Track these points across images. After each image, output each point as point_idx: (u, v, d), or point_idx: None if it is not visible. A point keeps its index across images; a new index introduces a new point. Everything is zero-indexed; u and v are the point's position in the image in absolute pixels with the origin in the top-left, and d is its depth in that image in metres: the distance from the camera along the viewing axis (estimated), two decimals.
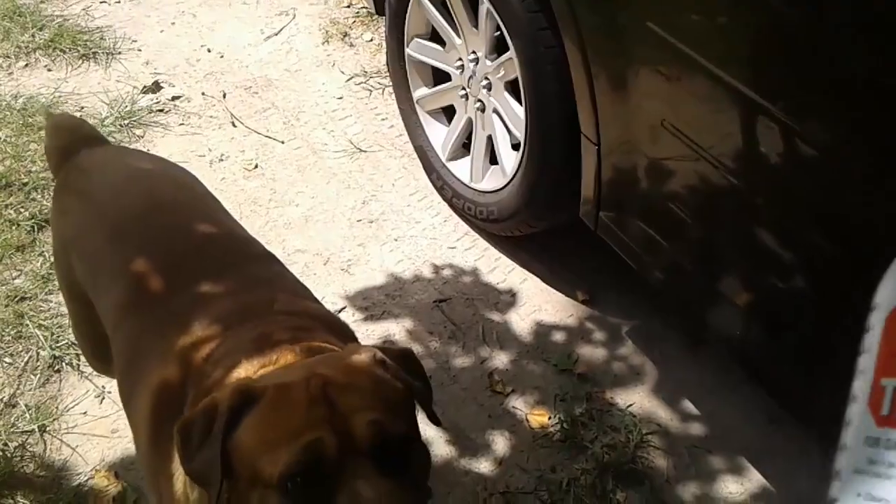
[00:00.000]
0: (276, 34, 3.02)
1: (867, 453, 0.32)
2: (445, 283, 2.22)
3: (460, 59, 2.16)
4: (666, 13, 1.48)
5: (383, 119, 2.69)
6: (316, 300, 1.33)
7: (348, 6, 3.11)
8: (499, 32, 1.95)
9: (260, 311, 1.18)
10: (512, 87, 2.02)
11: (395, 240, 2.33)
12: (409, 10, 2.23)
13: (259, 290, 1.26)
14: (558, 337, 2.10)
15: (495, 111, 2.10)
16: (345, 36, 2.99)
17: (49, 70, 2.82)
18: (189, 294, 1.22)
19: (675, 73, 1.50)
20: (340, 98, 2.77)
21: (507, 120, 2.05)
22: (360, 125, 2.67)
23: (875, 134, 1.22)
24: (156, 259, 1.26)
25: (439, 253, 2.29)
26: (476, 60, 2.10)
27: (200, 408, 0.95)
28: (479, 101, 2.14)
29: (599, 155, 1.75)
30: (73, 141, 1.53)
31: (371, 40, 2.97)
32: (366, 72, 2.85)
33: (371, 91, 2.79)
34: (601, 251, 1.93)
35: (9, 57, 2.84)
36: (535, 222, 2.09)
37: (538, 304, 2.16)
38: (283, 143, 2.62)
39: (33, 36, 2.90)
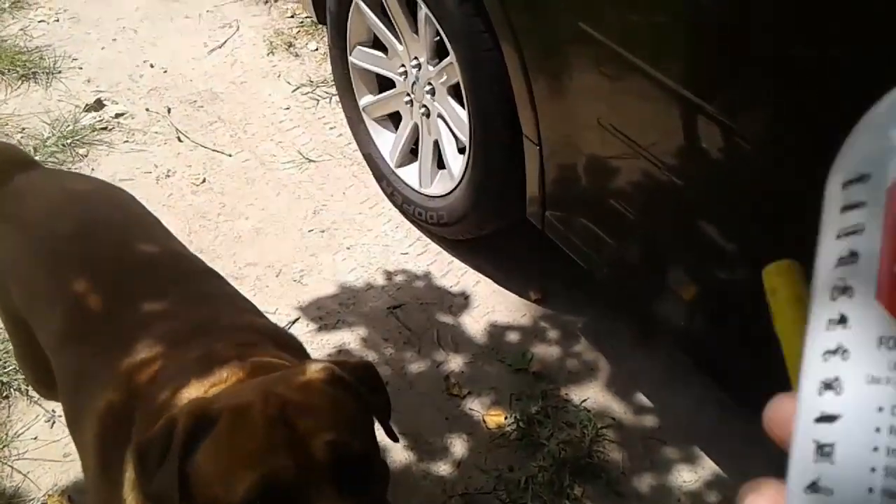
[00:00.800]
0: (220, 46, 3.01)
1: (889, 357, 0.25)
2: (399, 289, 2.23)
3: (403, 65, 2.18)
4: (596, 13, 1.51)
5: (331, 128, 2.70)
6: (261, 314, 1.33)
7: (292, 16, 3.12)
8: (439, 38, 1.98)
9: (204, 329, 1.18)
10: (455, 91, 2.04)
11: (348, 248, 2.33)
12: (349, 18, 2.24)
13: (202, 307, 1.26)
14: (512, 337, 2.12)
15: (440, 116, 2.12)
16: (289, 46, 3.00)
17: None
18: (130, 314, 1.21)
19: (609, 72, 1.53)
20: (287, 108, 2.77)
21: (452, 124, 2.07)
22: (308, 135, 2.68)
23: (806, 127, 1.27)
24: (93, 281, 1.25)
25: (392, 259, 2.30)
26: (419, 66, 2.12)
27: (157, 428, 0.95)
28: (424, 106, 2.16)
29: (542, 155, 1.78)
30: (4, 167, 1.51)
31: (316, 49, 2.98)
32: (312, 81, 2.86)
33: (318, 101, 2.80)
34: (552, 250, 1.96)
35: None
36: (484, 224, 2.11)
37: (492, 305, 2.18)
38: (230, 156, 2.61)
39: None
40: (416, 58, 2.12)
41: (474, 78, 1.88)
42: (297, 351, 1.23)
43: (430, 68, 2.08)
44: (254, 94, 2.83)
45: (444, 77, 2.03)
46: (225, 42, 3.02)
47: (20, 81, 2.83)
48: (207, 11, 3.16)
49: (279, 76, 2.89)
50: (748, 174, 1.41)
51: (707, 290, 1.64)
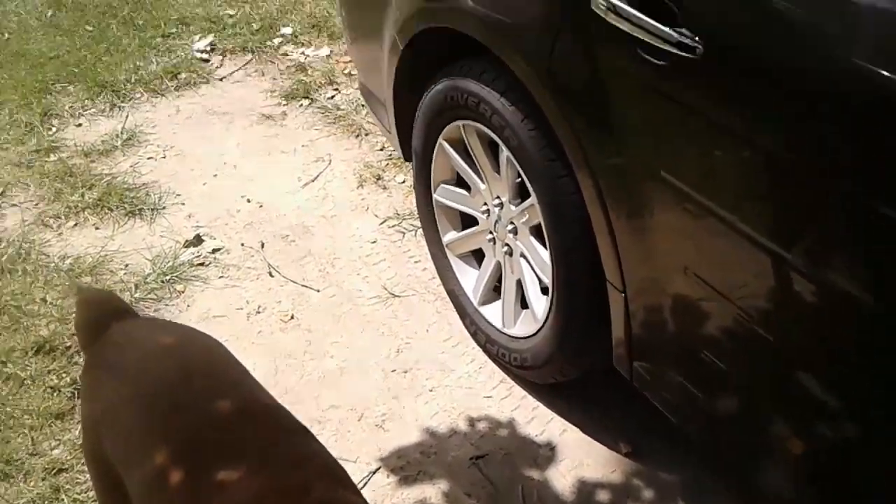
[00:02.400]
0: (313, 181, 3.11)
1: None
2: (482, 436, 2.15)
3: (485, 203, 2.18)
4: (678, 162, 1.46)
5: (416, 262, 2.71)
6: (355, 490, 1.28)
7: (381, 149, 3.20)
8: (521, 179, 1.96)
9: (294, 499, 1.14)
10: (537, 231, 2.01)
11: (430, 391, 2.29)
12: (434, 157, 2.27)
13: (294, 472, 1.23)
14: (603, 496, 1.99)
15: (522, 255, 2.09)
16: (378, 178, 3.06)
17: (97, 228, 2.95)
18: (220, 472, 1.20)
19: (692, 221, 1.46)
20: (374, 242, 2.81)
21: (535, 264, 2.03)
22: (393, 269, 2.69)
23: None
24: (187, 434, 1.26)
25: (475, 403, 2.23)
26: (501, 205, 2.11)
27: None
28: (507, 245, 2.14)
29: (627, 302, 1.71)
30: (102, 315, 1.56)
31: (403, 182, 3.03)
32: (399, 214, 2.89)
33: (404, 234, 2.82)
34: (643, 399, 1.85)
35: (59, 217, 2.98)
36: (569, 370, 2.03)
37: (579, 458, 2.07)
38: (318, 291, 2.64)
39: (82, 195, 3.05)
40: (498, 197, 2.11)
41: (555, 221, 1.85)
42: None
43: (513, 208, 2.06)
44: (343, 227, 2.88)
45: (526, 217, 2.01)
46: (317, 176, 3.12)
47: (127, 218, 2.98)
48: (303, 146, 3.28)
49: (367, 209, 2.95)
50: (840, 328, 1.30)
51: (814, 453, 1.49)
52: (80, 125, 3.46)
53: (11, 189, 3.11)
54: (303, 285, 2.67)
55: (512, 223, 2.08)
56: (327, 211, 2.97)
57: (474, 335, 2.34)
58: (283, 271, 2.73)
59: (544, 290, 2.05)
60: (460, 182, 2.28)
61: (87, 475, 2.09)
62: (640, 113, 1.56)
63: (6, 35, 4.02)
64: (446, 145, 2.20)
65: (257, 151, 3.29)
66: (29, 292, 2.64)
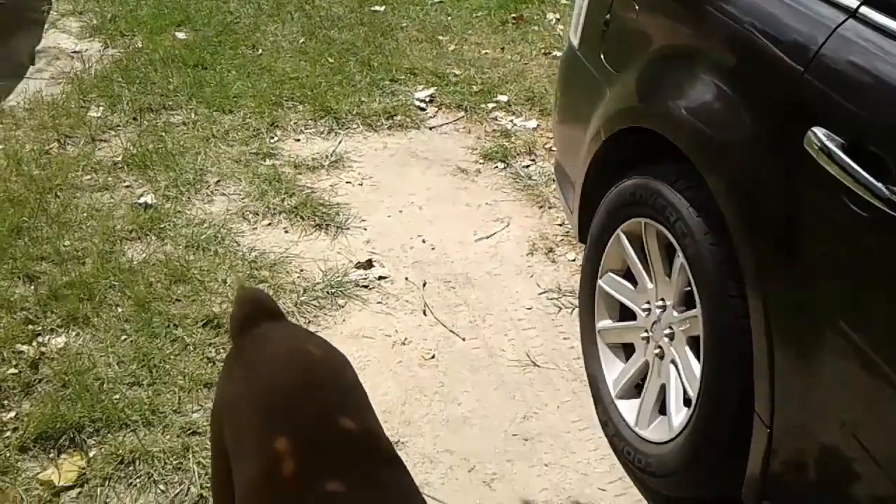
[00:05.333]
0: (487, 237, 3.13)
1: None
2: None
3: (648, 302, 2.09)
4: (859, 316, 1.34)
5: (565, 338, 2.64)
6: None
7: (560, 224, 3.18)
8: (690, 288, 1.87)
9: None
10: (694, 343, 1.90)
11: (546, 465, 2.20)
12: (608, 245, 2.22)
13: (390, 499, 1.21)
14: None
15: (673, 362, 1.98)
16: (549, 251, 3.04)
17: (286, 231, 3.11)
18: (322, 486, 1.20)
19: (864, 379, 1.33)
20: (529, 308, 2.77)
21: (684, 374, 1.92)
22: (540, 339, 2.64)
23: None
24: (297, 443, 1.27)
25: (587, 492, 2.12)
26: (663, 308, 2.02)
27: None
28: (660, 347, 2.04)
29: (771, 439, 1.57)
30: (256, 313, 1.62)
31: (574, 260, 2.99)
32: (560, 289, 2.85)
33: (560, 308, 2.77)
34: None
35: (257, 214, 3.18)
36: (692, 489, 1.89)
37: None
38: (464, 339, 2.64)
39: (282, 200, 3.24)
40: (662, 299, 2.03)
41: (716, 338, 1.74)
42: None
43: (675, 314, 1.97)
44: (503, 287, 2.87)
45: (687, 326, 1.91)
46: (493, 234, 3.14)
47: (314, 229, 3.13)
48: (486, 204, 3.33)
49: (532, 276, 2.92)
50: None
51: None
52: (298, 140, 3.70)
53: (226, 180, 3.35)
54: (451, 330, 2.68)
55: (670, 328, 1.99)
56: (493, 268, 2.97)
57: (604, 425, 2.24)
58: (437, 312, 2.75)
59: (686, 402, 1.93)
60: (628, 274, 2.21)
61: None
62: (831, 258, 1.45)
63: (259, 51, 4.39)
64: (623, 237, 2.15)
65: (444, 199, 3.36)
66: (214, 271, 2.81)
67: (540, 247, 3.06)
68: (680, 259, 1.88)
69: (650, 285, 2.08)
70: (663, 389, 2.04)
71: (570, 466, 2.19)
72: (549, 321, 2.72)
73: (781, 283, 1.53)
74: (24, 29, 4.59)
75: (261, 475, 1.26)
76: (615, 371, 2.24)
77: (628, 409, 2.16)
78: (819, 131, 1.41)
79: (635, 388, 2.18)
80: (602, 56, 2.29)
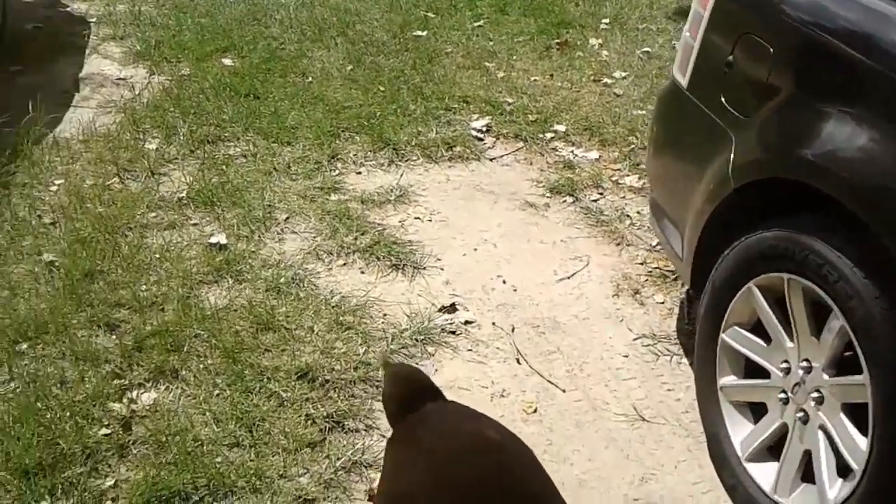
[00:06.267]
0: (569, 278, 3.01)
1: None
2: None
3: (786, 361, 1.98)
4: None
5: (669, 389, 2.52)
6: None
7: (642, 263, 3.07)
8: (850, 353, 1.76)
9: None
10: (849, 409, 1.79)
11: None
12: (736, 298, 2.10)
13: None
14: None
15: (822, 427, 1.87)
16: (636, 293, 2.92)
17: (362, 272, 2.98)
18: None
19: None
20: (626, 357, 2.65)
21: (840, 443, 1.80)
22: (643, 390, 2.52)
23: None
24: None
25: None
26: (809, 369, 1.90)
27: None
28: (803, 410, 1.92)
29: None
30: (413, 392, 1.52)
31: (662, 303, 2.88)
32: (655, 335, 2.73)
33: (658, 356, 2.65)
34: None
35: (331, 254, 3.04)
36: None
37: None
38: (564, 391, 2.51)
39: (355, 239, 3.11)
40: (807, 360, 1.91)
41: (892, 410, 1.62)
42: None
43: (825, 377, 1.85)
44: (595, 333, 2.75)
45: (844, 392, 1.79)
46: (574, 274, 3.03)
47: (390, 269, 3.00)
48: (561, 241, 3.21)
49: (622, 321, 2.80)
50: None
51: None
52: (359, 173, 3.56)
53: (295, 217, 3.22)
54: (549, 381, 2.55)
55: (818, 392, 1.87)
56: (580, 311, 2.85)
57: (731, 489, 2.12)
58: (531, 361, 2.63)
59: (840, 472, 1.82)
60: (757, 329, 2.10)
61: None
62: None
63: (309, 78, 4.26)
64: (756, 291, 2.03)
65: (517, 236, 3.24)
66: (299, 317, 2.68)
67: (625, 288, 2.95)
68: (839, 321, 1.76)
69: (790, 345, 1.96)
70: (806, 455, 1.92)
71: None
72: (648, 370, 2.60)
73: None
74: (65, 53, 4.44)
75: None
76: (743, 432, 2.12)
77: (761, 474, 2.04)
78: None
79: (767, 451, 2.07)
80: (723, 99, 2.18)
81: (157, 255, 2.89)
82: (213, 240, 3.00)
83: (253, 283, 2.81)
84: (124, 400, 2.31)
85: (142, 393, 2.35)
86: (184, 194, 3.26)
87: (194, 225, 3.12)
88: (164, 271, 2.81)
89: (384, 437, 2.26)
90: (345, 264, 3.01)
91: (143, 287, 2.73)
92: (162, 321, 2.57)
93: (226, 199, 3.23)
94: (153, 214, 3.15)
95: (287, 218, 3.21)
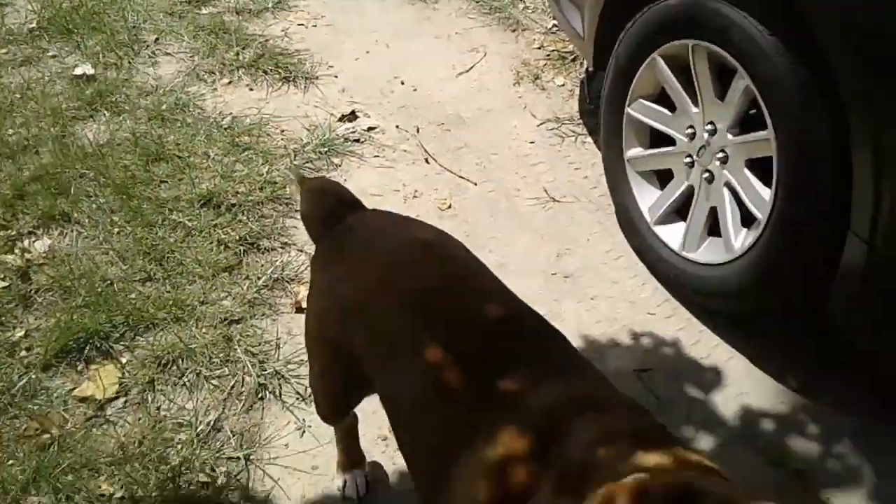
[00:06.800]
0: (468, 71, 2.91)
1: None
2: (646, 351, 2.05)
3: (691, 126, 2.00)
4: None
5: (577, 168, 2.55)
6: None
7: (539, 48, 2.98)
8: (753, 111, 1.78)
9: (596, 404, 1.04)
10: (751, 164, 1.84)
11: (592, 299, 2.17)
12: (640, 71, 2.07)
13: (581, 378, 1.13)
14: (767, 425, 1.91)
15: (727, 184, 1.93)
16: (536, 79, 2.86)
17: (251, 89, 2.78)
18: (504, 380, 1.09)
19: None
20: (532, 143, 2.64)
21: (745, 197, 1.87)
22: (552, 173, 2.53)
23: None
24: (458, 339, 1.15)
25: (638, 319, 2.12)
26: (713, 132, 1.93)
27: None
28: (708, 171, 1.97)
29: (871, 253, 1.56)
30: (332, 205, 1.45)
31: (563, 85, 2.83)
32: (558, 118, 2.71)
33: (563, 138, 2.65)
34: (814, 337, 1.73)
35: (213, 73, 2.81)
36: (758, 305, 1.91)
37: (745, 386, 1.97)
38: (475, 184, 2.50)
39: (237, 54, 2.87)
40: (711, 122, 1.93)
41: (796, 160, 1.68)
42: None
43: (730, 136, 1.88)
44: (499, 123, 2.71)
45: (748, 149, 1.83)
46: (472, 67, 2.92)
47: (281, 83, 2.81)
48: (456, 33, 3.06)
49: (525, 108, 2.76)
50: None
51: None
52: None
53: (165, 37, 2.93)
54: (460, 176, 2.52)
55: (723, 151, 1.91)
56: (483, 104, 2.78)
57: (642, 252, 2.21)
58: (440, 159, 2.58)
59: (744, 223, 1.91)
60: (661, 100, 2.10)
61: (257, 329, 2.02)
62: None
63: None
64: (661, 61, 2.00)
65: (409, 33, 3.07)
66: (191, 143, 2.50)
67: (525, 74, 2.88)
68: (744, 81, 1.76)
69: (695, 110, 1.97)
70: (712, 212, 2.00)
71: (616, 297, 2.18)
72: (555, 153, 2.60)
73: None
74: None
75: (430, 379, 1.13)
76: (650, 199, 2.18)
77: (670, 235, 2.12)
78: None
79: (675, 214, 2.14)
80: None
81: (19, 96, 2.59)
82: (78, 71, 2.71)
83: (133, 114, 2.58)
84: (16, 251, 2.15)
85: (34, 241, 2.19)
86: (34, 24, 2.89)
87: (53, 57, 2.79)
88: (29, 112, 2.54)
89: (302, 251, 2.21)
90: (230, 83, 2.80)
91: (10, 131, 2.46)
92: (40, 164, 2.35)
93: (83, 25, 2.89)
94: (3, 51, 2.79)
95: (157, 39, 2.91)
